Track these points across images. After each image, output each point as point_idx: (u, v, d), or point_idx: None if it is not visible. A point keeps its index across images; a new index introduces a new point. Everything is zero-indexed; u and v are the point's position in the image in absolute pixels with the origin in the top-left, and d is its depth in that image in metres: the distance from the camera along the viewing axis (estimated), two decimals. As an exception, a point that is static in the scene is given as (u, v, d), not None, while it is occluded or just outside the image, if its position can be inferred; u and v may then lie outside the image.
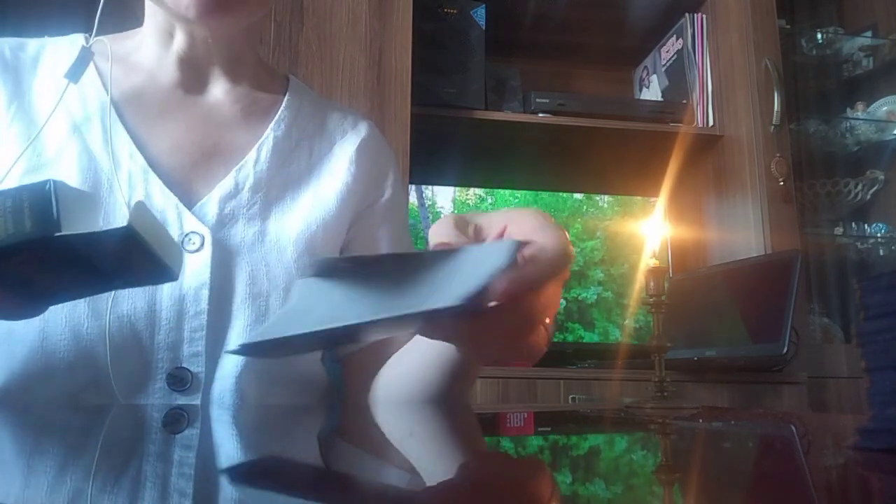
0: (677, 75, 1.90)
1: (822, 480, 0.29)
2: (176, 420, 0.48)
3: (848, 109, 1.93)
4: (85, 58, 0.65)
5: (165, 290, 0.60)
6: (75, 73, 0.64)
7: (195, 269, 0.61)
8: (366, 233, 0.72)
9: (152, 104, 0.67)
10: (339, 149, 0.73)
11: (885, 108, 1.89)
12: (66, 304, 0.57)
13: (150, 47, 0.68)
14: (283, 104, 0.72)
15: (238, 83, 0.71)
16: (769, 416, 0.66)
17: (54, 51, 0.67)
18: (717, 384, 1.47)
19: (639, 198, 1.92)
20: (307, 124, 0.73)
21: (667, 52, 1.95)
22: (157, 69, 0.68)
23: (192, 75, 0.69)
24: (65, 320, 0.57)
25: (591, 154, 1.92)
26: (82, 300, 0.57)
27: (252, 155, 0.67)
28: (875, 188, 1.89)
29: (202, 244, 0.62)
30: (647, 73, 2.06)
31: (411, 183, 1.61)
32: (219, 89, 0.70)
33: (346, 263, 0.42)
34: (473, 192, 1.86)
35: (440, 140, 1.78)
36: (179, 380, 0.60)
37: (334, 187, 0.70)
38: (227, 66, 0.70)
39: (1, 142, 0.62)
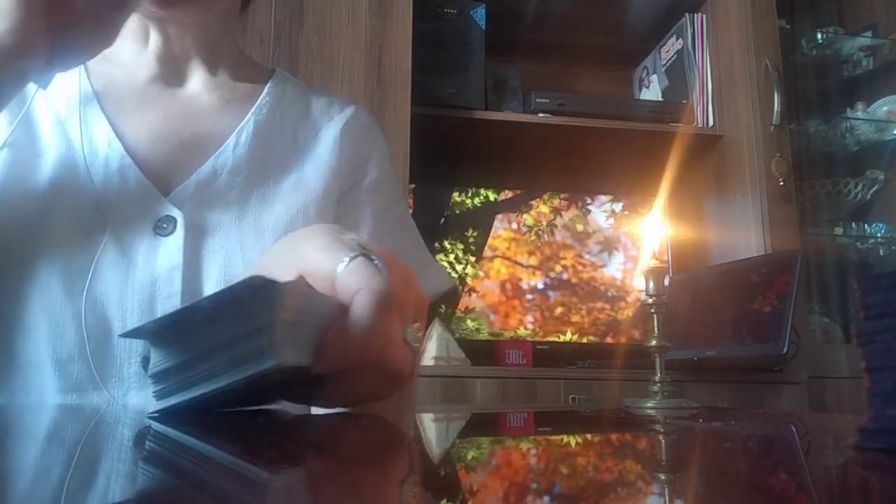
0: (677, 75, 1.90)
1: (822, 480, 0.29)
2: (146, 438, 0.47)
3: (848, 109, 1.93)
4: None
5: (138, 274, 0.60)
6: (45, 78, 0.64)
7: (167, 253, 0.61)
8: (350, 214, 0.72)
9: (131, 97, 0.68)
10: (325, 132, 0.73)
11: (885, 108, 1.89)
12: (41, 288, 0.57)
13: (128, 45, 0.69)
14: (265, 91, 0.73)
15: (217, 75, 0.72)
16: (769, 416, 0.66)
17: None
18: (717, 384, 1.47)
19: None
20: (291, 109, 0.73)
21: (667, 52, 1.95)
22: (135, 65, 0.69)
23: (171, 70, 0.70)
24: (38, 307, 0.58)
25: (591, 154, 1.92)
26: (57, 281, 0.58)
27: (232, 140, 0.68)
28: (875, 188, 1.89)
29: (175, 228, 0.62)
30: (647, 73, 2.06)
31: (411, 183, 1.61)
32: (197, 81, 0.71)
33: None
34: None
35: (440, 140, 1.78)
36: None
37: (318, 171, 0.70)
38: (205, 58, 0.71)
39: None
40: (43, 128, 0.63)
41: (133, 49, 0.69)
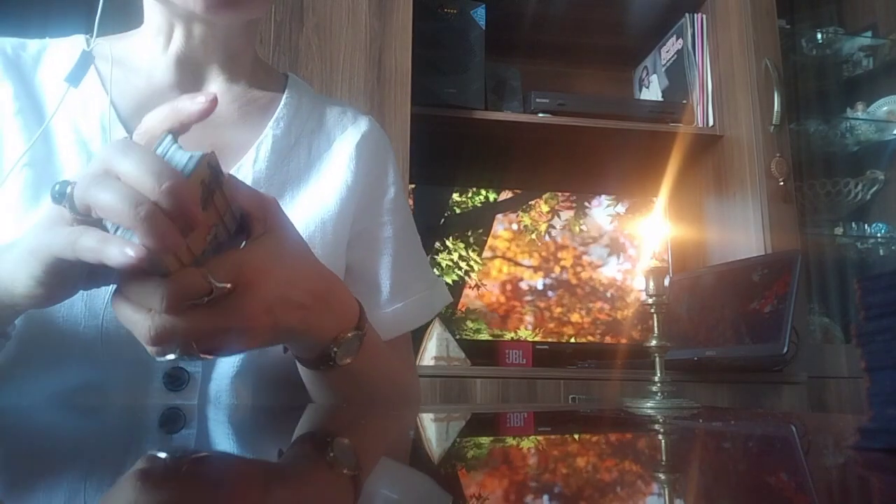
0: (677, 75, 1.90)
1: (822, 480, 0.29)
2: (172, 420, 0.48)
3: (848, 109, 1.93)
4: (85, 62, 0.64)
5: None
6: (76, 76, 0.64)
7: None
8: (372, 231, 0.72)
9: (150, 106, 0.67)
10: (339, 146, 0.72)
11: (885, 108, 1.89)
12: (64, 308, 0.57)
13: (147, 49, 0.68)
14: (282, 102, 0.72)
15: (235, 82, 0.71)
16: (769, 416, 0.66)
17: (55, 52, 0.67)
18: (717, 384, 1.47)
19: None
20: (306, 121, 0.72)
21: (667, 52, 1.95)
22: (154, 71, 0.68)
23: (189, 76, 0.68)
24: (62, 320, 0.57)
25: (591, 154, 1.92)
26: (79, 299, 0.57)
27: (251, 154, 0.67)
28: (875, 188, 1.89)
29: None
30: (647, 73, 2.06)
31: (411, 183, 1.61)
32: (216, 89, 0.69)
33: None
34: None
35: (440, 140, 1.78)
36: (176, 379, 0.60)
37: (334, 186, 0.69)
38: (225, 64, 0.69)
39: (7, 134, 0.62)
40: (61, 144, 0.63)
41: (152, 52, 0.68)
